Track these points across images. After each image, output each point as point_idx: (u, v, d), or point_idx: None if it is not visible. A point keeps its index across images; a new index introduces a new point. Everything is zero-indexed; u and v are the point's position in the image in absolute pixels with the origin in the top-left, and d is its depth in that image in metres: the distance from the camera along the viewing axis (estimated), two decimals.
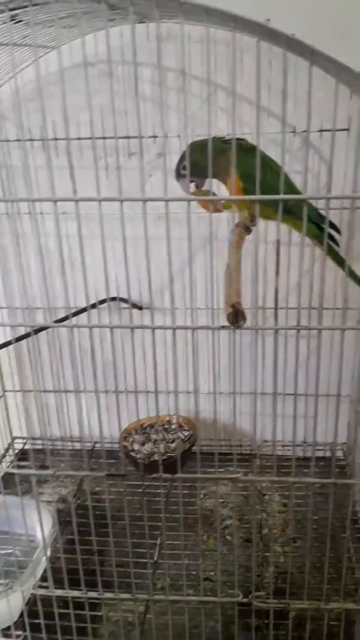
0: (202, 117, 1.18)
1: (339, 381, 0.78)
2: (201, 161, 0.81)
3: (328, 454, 1.35)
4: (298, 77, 0.66)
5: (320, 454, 1.37)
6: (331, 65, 0.63)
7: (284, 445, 1.40)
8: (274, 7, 0.94)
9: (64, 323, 0.75)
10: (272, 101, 1.13)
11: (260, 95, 0.63)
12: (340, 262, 0.95)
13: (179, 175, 0.96)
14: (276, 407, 0.79)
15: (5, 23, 0.69)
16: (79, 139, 1.17)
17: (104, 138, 1.18)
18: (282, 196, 0.66)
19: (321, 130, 1.14)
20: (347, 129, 1.13)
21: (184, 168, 0.93)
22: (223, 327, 0.71)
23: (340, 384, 0.82)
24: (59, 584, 0.90)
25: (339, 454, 1.41)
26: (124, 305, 1.28)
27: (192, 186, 0.97)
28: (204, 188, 0.98)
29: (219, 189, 1.02)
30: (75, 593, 0.89)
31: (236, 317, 0.70)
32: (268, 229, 1.20)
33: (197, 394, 0.77)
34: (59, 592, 0.88)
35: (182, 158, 0.96)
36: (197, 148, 0.88)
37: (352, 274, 0.93)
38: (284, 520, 1.22)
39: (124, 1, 0.61)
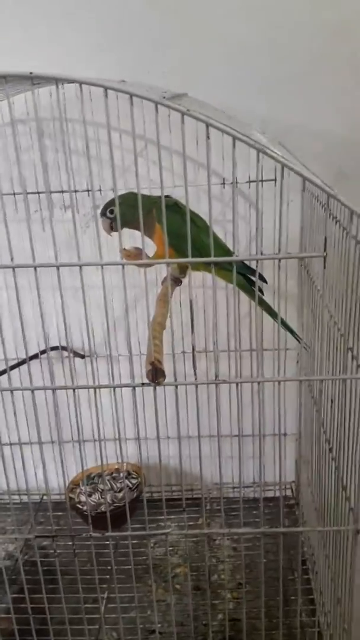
0: (134, 170, 1.21)
1: (279, 422, 0.80)
2: (128, 214, 0.84)
3: (278, 493, 1.36)
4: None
5: (270, 494, 1.37)
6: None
7: (234, 488, 1.41)
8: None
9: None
10: (201, 153, 1.17)
11: (160, 155, 0.66)
12: (269, 311, 0.98)
13: (103, 214, 0.99)
14: (217, 449, 0.82)
15: None
16: (14, 194, 1.20)
17: (37, 193, 1.20)
18: (213, 259, 0.69)
19: (249, 182, 1.19)
20: (274, 180, 1.18)
21: (111, 212, 0.97)
22: (143, 384, 0.72)
23: (279, 425, 0.84)
24: None
25: (289, 492, 1.42)
26: (65, 354, 1.29)
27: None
28: (136, 246, 1.01)
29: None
30: None
31: (155, 374, 0.71)
32: (205, 276, 1.23)
33: (139, 442, 0.78)
34: None
35: (110, 202, 0.99)
36: (126, 200, 0.91)
37: (284, 324, 0.96)
38: (234, 564, 1.22)
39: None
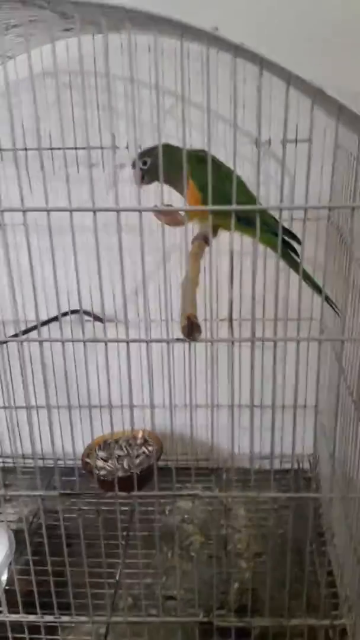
0: (165, 128, 1.17)
1: (295, 391, 0.77)
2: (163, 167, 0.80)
3: (296, 466, 1.35)
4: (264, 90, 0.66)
5: (287, 466, 1.35)
6: (284, 75, 0.63)
7: (250, 459, 1.39)
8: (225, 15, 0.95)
9: (33, 337, 0.73)
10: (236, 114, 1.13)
11: (209, 102, 0.62)
12: (303, 275, 0.95)
13: (134, 166, 0.95)
14: (232, 420, 0.77)
15: None
16: (50, 149, 1.16)
17: (67, 149, 1.16)
18: (234, 207, 0.65)
19: (284, 141, 1.14)
20: (309, 140, 1.13)
21: (144, 163, 0.93)
22: (178, 339, 0.70)
23: (298, 394, 0.81)
24: (16, 608, 0.86)
25: (306, 465, 1.40)
26: (87, 318, 1.26)
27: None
28: (166, 203, 0.98)
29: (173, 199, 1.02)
30: (31, 617, 0.85)
31: (191, 329, 0.69)
32: (232, 240, 1.20)
33: (153, 408, 0.75)
34: (14, 617, 0.85)
35: (145, 152, 0.95)
36: (164, 153, 0.87)
37: (309, 279, 0.93)
38: (249, 535, 1.20)
39: (72, 9, 0.59)
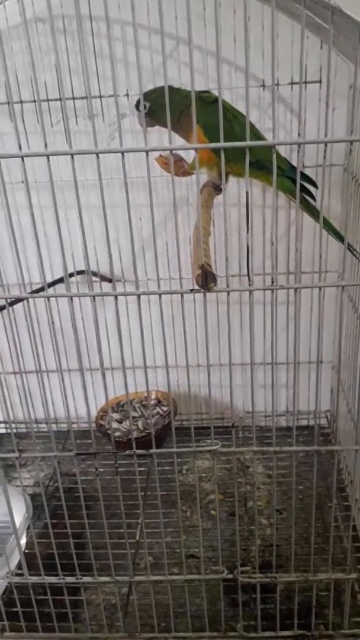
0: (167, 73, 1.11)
1: (317, 347, 0.74)
2: (163, 109, 0.75)
3: (313, 422, 1.32)
4: (267, 30, 0.60)
5: (304, 422, 1.34)
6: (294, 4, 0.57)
7: (266, 416, 1.37)
8: None
9: (41, 294, 0.69)
10: (239, 54, 1.07)
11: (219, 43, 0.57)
12: (323, 222, 0.90)
13: (137, 107, 0.90)
14: (253, 376, 0.75)
15: None
16: (47, 100, 1.10)
17: (67, 99, 1.10)
18: (248, 142, 0.60)
19: (292, 83, 1.08)
20: (319, 81, 1.07)
21: (144, 107, 0.87)
22: (192, 290, 0.66)
23: (320, 350, 0.78)
24: (36, 571, 0.86)
25: (323, 422, 1.38)
26: (94, 279, 1.22)
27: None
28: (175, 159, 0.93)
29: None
30: (52, 579, 0.84)
31: (205, 278, 0.65)
32: (241, 192, 1.15)
33: (168, 367, 0.72)
34: (35, 579, 0.84)
35: (145, 97, 0.89)
36: (163, 94, 0.81)
37: (327, 225, 0.88)
38: (269, 491, 1.19)
39: None
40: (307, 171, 1.11)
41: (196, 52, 1.11)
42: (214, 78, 1.08)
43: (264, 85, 1.10)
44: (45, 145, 0.60)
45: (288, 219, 1.20)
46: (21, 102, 1.12)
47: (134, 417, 1.23)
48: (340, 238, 0.89)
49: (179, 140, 0.91)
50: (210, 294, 0.65)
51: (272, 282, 0.66)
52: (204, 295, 0.66)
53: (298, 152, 0.62)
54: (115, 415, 1.25)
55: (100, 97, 1.12)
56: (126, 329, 0.93)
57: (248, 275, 0.66)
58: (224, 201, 0.64)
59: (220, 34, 0.56)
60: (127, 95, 1.11)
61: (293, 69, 1.03)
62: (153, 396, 1.31)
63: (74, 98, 1.10)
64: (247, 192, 0.61)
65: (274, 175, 0.63)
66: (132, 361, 1.24)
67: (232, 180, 0.98)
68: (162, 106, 0.69)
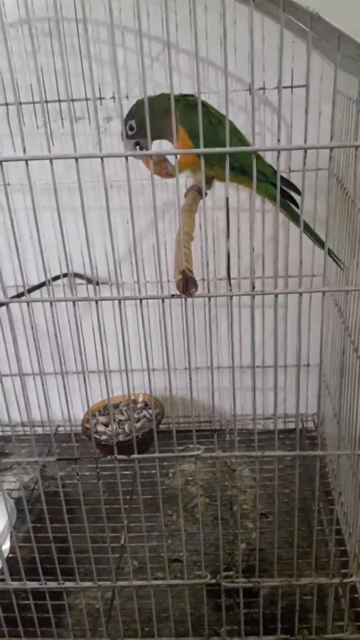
0: (151, 77, 1.11)
1: (299, 350, 0.73)
2: (150, 122, 0.74)
3: (301, 425, 1.33)
4: (256, 34, 0.60)
5: (291, 425, 1.34)
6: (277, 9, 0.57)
7: (253, 419, 1.37)
8: None
9: (22, 298, 0.69)
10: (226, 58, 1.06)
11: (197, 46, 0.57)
12: (304, 228, 0.90)
13: (125, 136, 0.89)
14: (235, 380, 0.74)
15: None
16: (33, 102, 1.10)
17: (50, 102, 1.10)
18: (228, 148, 0.60)
19: (277, 87, 1.08)
20: (305, 86, 1.07)
21: (130, 128, 0.86)
22: (173, 295, 0.66)
23: (307, 354, 0.78)
24: (19, 575, 0.85)
25: (311, 425, 1.38)
26: (79, 281, 1.22)
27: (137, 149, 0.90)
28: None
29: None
30: (34, 584, 0.84)
31: (186, 284, 0.64)
32: (229, 196, 1.15)
33: (149, 370, 0.72)
34: (16, 585, 0.83)
35: (129, 116, 0.88)
36: (143, 106, 0.81)
37: (309, 230, 0.88)
38: (255, 495, 1.19)
39: None
40: (293, 175, 1.12)
41: (183, 56, 1.11)
42: (202, 82, 1.08)
43: (250, 89, 1.09)
44: (24, 150, 0.60)
45: (276, 224, 1.20)
46: (7, 104, 1.11)
47: (120, 421, 1.23)
48: (321, 243, 0.89)
49: (165, 145, 0.91)
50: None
51: (253, 288, 0.66)
52: (185, 301, 0.66)
53: (278, 158, 0.62)
54: (102, 419, 1.25)
55: (87, 99, 1.11)
56: (113, 331, 0.93)
57: (228, 280, 0.66)
58: (208, 205, 0.64)
59: (197, 36, 0.56)
60: (113, 98, 1.11)
61: (281, 72, 1.03)
62: (141, 399, 1.31)
63: (59, 101, 1.10)
64: (226, 198, 0.61)
65: (254, 180, 0.63)
66: (118, 365, 1.24)
67: (220, 184, 0.98)
68: (144, 119, 0.68)
